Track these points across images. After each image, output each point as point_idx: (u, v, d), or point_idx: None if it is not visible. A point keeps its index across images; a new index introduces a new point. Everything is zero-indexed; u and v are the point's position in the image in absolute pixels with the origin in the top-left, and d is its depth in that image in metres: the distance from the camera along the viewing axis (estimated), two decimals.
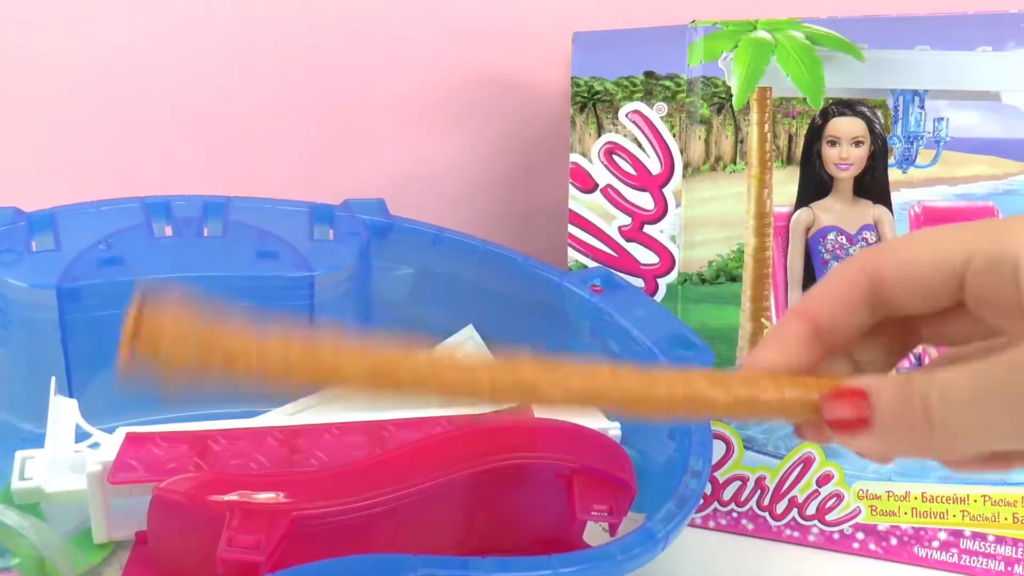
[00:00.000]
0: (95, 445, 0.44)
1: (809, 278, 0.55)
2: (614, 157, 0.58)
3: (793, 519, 0.56)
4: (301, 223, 0.56)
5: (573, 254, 0.58)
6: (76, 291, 0.50)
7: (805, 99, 0.55)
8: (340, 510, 0.40)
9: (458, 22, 0.68)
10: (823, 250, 0.55)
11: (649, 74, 0.57)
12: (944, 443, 0.26)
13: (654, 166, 0.57)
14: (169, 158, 0.68)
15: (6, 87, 0.65)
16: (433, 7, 0.67)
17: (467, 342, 0.56)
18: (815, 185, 0.55)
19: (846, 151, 0.55)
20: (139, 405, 0.50)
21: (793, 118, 0.55)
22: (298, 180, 0.69)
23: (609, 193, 0.58)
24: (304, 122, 0.69)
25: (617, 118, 0.57)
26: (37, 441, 0.49)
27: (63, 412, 0.45)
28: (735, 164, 0.56)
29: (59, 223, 0.52)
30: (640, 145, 0.57)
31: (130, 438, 0.43)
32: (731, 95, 0.56)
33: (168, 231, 0.55)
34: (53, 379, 0.47)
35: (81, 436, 0.46)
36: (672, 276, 0.57)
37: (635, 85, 0.57)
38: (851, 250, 0.55)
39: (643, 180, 0.57)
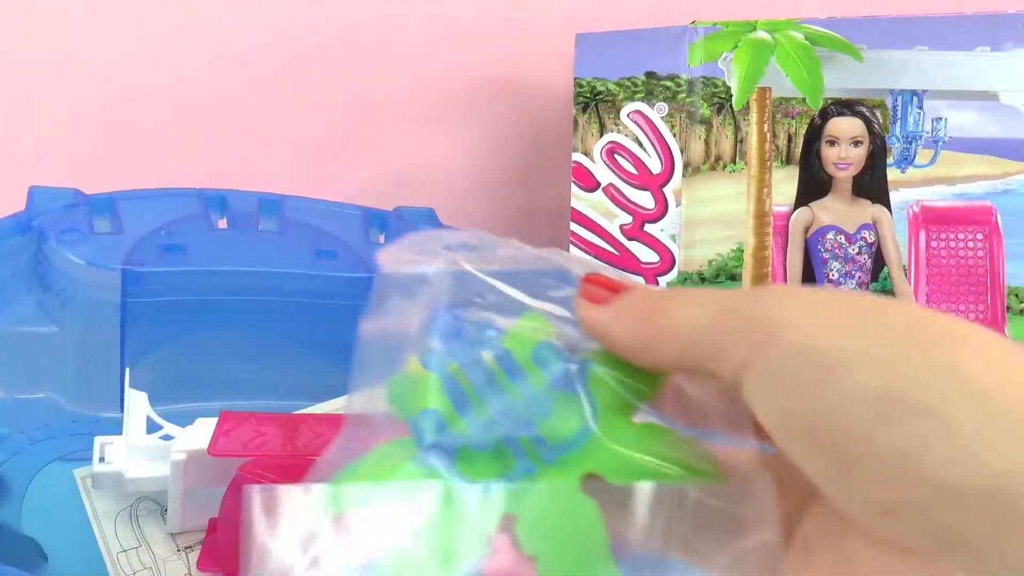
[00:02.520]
0: (167, 437, 0.45)
1: (808, 277, 0.56)
2: (616, 156, 0.58)
3: None
4: (355, 226, 0.57)
5: (575, 252, 0.59)
6: (140, 275, 0.50)
7: (804, 99, 0.55)
8: None
9: (462, 24, 0.68)
10: (822, 249, 0.55)
11: (650, 74, 0.58)
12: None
13: (655, 165, 0.58)
14: (170, 154, 0.68)
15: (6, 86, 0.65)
16: (436, 7, 0.68)
17: None
18: (814, 185, 0.55)
19: (845, 151, 0.55)
20: (185, 393, 0.52)
21: (792, 118, 0.56)
22: (298, 179, 0.70)
23: (611, 192, 0.58)
24: (305, 121, 0.69)
25: (619, 118, 0.58)
26: (85, 422, 0.51)
27: (135, 403, 0.46)
28: (735, 164, 0.56)
29: (119, 207, 0.53)
30: (641, 145, 0.58)
31: (225, 416, 0.44)
32: (731, 95, 0.56)
33: (223, 224, 0.55)
34: (128, 370, 0.48)
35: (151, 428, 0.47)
36: (672, 275, 0.57)
37: (636, 85, 0.58)
38: (850, 249, 0.55)
39: (644, 179, 0.58)
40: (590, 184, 0.59)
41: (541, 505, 0.26)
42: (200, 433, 0.45)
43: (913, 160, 0.54)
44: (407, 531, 0.25)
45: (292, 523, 0.25)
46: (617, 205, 0.58)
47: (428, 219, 0.59)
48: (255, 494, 0.25)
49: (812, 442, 0.23)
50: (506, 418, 0.27)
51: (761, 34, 0.55)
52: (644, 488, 0.26)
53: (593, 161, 0.58)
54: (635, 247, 0.58)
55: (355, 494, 0.26)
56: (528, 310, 0.29)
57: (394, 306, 0.30)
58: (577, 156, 0.59)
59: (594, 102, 0.58)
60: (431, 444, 0.27)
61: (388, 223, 0.58)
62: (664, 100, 0.57)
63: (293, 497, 0.25)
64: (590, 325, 0.28)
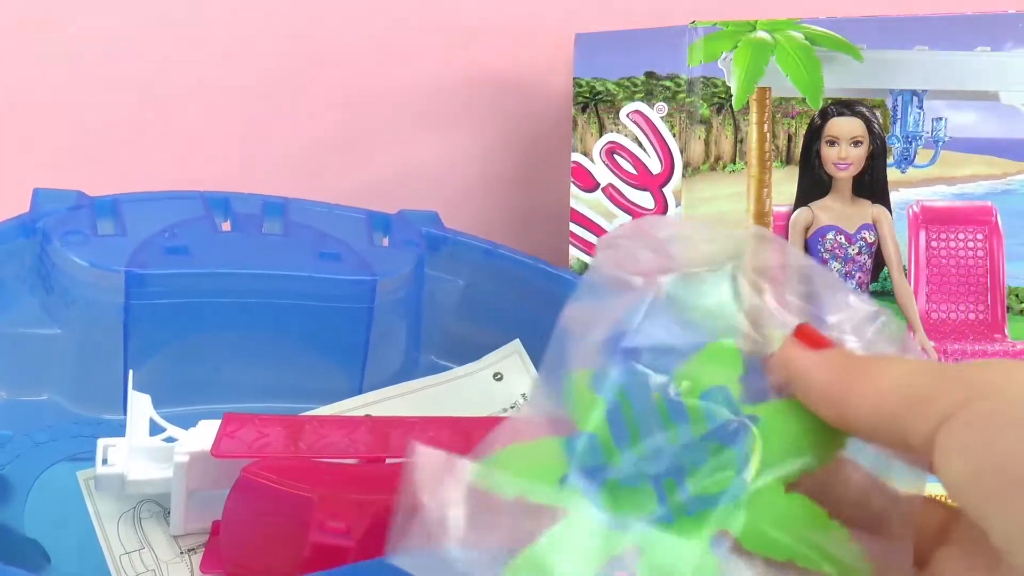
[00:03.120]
0: (170, 439, 0.45)
1: None
2: (615, 157, 0.58)
3: None
4: (359, 229, 0.57)
5: (575, 252, 0.59)
6: (143, 277, 0.50)
7: (804, 99, 0.55)
8: None
9: (461, 23, 0.68)
10: (822, 250, 0.55)
11: (650, 74, 0.58)
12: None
13: (654, 166, 0.58)
14: (171, 154, 0.68)
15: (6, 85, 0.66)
16: (435, 7, 0.68)
17: (512, 356, 0.56)
18: (814, 185, 0.55)
19: (845, 151, 0.55)
20: (188, 395, 0.52)
21: (792, 118, 0.56)
22: (298, 178, 0.70)
23: (610, 192, 0.58)
24: (305, 121, 0.70)
25: (618, 118, 0.58)
26: (88, 424, 0.51)
27: (137, 405, 0.46)
28: (735, 164, 0.56)
29: (122, 209, 0.52)
30: (641, 145, 0.58)
31: (228, 418, 0.44)
32: (731, 95, 0.56)
33: (227, 226, 0.55)
34: (131, 372, 0.48)
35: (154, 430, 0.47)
36: None
37: (636, 85, 0.58)
38: (850, 249, 0.55)
39: (644, 179, 0.58)
40: (589, 184, 0.59)
41: (666, 554, 0.26)
42: (203, 435, 0.45)
43: (913, 160, 0.54)
44: (539, 535, 0.26)
45: (447, 486, 0.27)
46: (616, 205, 0.58)
47: (432, 222, 0.59)
48: (422, 454, 0.27)
49: (1020, 500, 0.22)
50: (658, 459, 0.27)
51: (761, 34, 0.55)
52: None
53: (592, 161, 0.59)
54: None
55: (504, 482, 0.27)
56: (722, 336, 0.29)
57: (600, 301, 0.31)
58: (576, 156, 0.59)
59: (593, 102, 0.58)
60: (582, 468, 0.27)
61: (391, 226, 0.58)
62: (664, 100, 0.57)
63: (453, 464, 0.27)
64: (792, 364, 0.28)
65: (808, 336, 0.28)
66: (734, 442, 0.27)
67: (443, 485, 0.27)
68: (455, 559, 0.26)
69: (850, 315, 0.30)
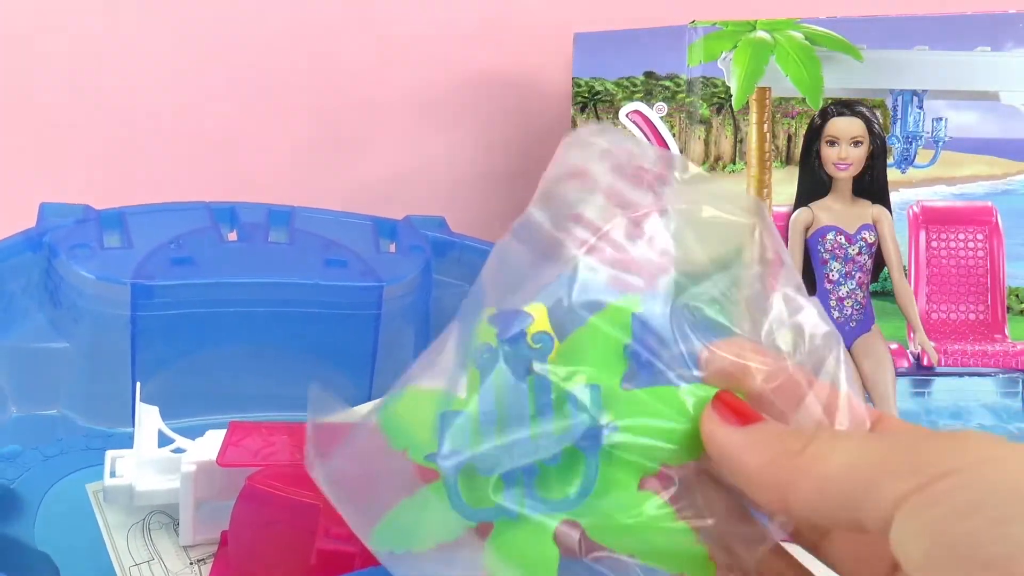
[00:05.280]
0: (178, 450, 0.46)
1: (808, 278, 0.56)
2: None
3: None
4: (365, 235, 0.58)
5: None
6: (150, 289, 0.51)
7: (804, 99, 0.55)
8: None
9: (459, 22, 0.68)
10: (822, 250, 0.55)
11: (649, 74, 0.57)
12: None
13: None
14: (173, 160, 0.69)
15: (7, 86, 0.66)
16: (435, 7, 0.67)
17: None
18: (814, 185, 0.55)
19: (845, 151, 0.55)
20: (197, 406, 0.53)
21: (792, 118, 0.55)
22: (298, 178, 0.70)
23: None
24: (304, 121, 0.70)
25: (617, 118, 0.58)
26: (97, 437, 0.52)
27: (146, 417, 0.47)
28: (734, 164, 0.56)
29: (128, 221, 0.53)
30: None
31: (234, 427, 0.45)
32: (730, 95, 0.56)
33: (233, 236, 0.56)
34: (139, 384, 0.48)
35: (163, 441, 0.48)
36: None
37: (635, 85, 0.58)
38: (850, 250, 0.55)
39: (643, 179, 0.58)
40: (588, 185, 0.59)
41: (508, 544, 0.28)
42: (210, 445, 0.45)
43: (913, 160, 0.54)
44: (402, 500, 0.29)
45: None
46: (616, 205, 0.58)
47: (438, 227, 0.59)
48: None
49: None
50: (515, 451, 0.28)
51: (761, 34, 0.55)
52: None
53: None
54: None
55: (392, 436, 0.30)
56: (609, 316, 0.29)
57: (532, 255, 0.31)
58: None
59: (592, 102, 0.58)
60: (448, 448, 0.28)
61: (398, 232, 0.58)
62: (663, 100, 0.57)
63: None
64: (718, 446, 0.27)
65: (730, 407, 0.27)
66: (587, 449, 0.28)
67: (354, 428, 0.30)
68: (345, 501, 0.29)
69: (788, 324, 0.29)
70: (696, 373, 0.28)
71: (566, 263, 0.30)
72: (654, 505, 0.27)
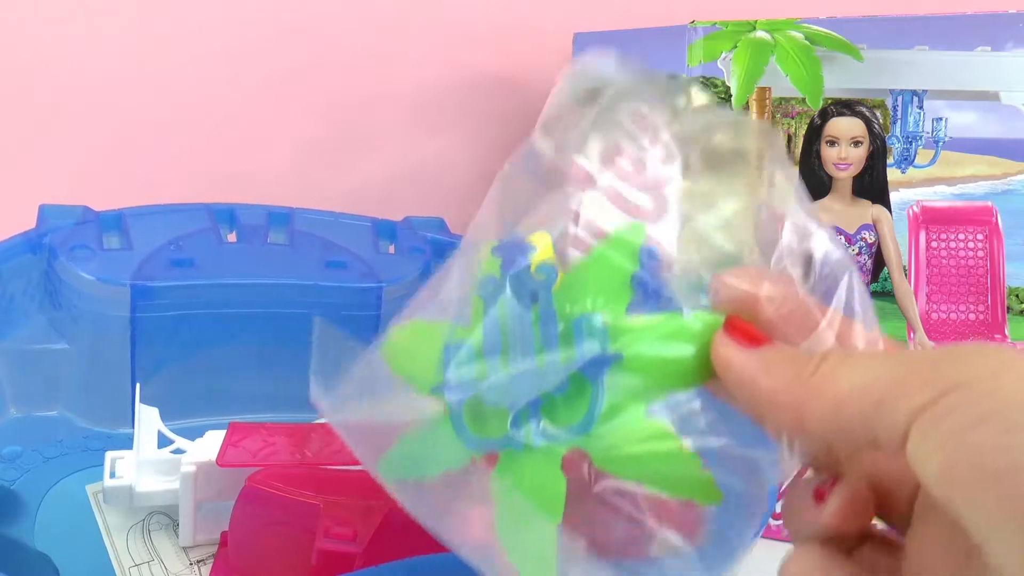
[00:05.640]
0: (178, 451, 0.46)
1: None
2: (614, 157, 0.58)
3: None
4: (365, 236, 0.58)
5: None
6: (149, 290, 0.51)
7: (804, 99, 0.55)
8: None
9: (459, 22, 0.68)
10: None
11: None
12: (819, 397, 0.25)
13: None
14: (173, 160, 0.69)
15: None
16: (434, 7, 0.67)
17: None
18: (814, 185, 0.55)
19: (845, 151, 0.55)
20: (197, 407, 0.53)
21: (792, 118, 0.55)
22: (297, 178, 0.70)
23: (610, 193, 0.58)
24: (304, 121, 0.70)
25: None
26: (97, 438, 0.52)
27: (145, 418, 0.47)
28: None
29: (128, 223, 0.53)
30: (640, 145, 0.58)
31: (233, 427, 0.45)
32: (731, 95, 0.56)
33: (232, 237, 0.56)
34: (138, 385, 0.49)
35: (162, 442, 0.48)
36: None
37: None
38: (850, 250, 0.55)
39: (643, 180, 0.58)
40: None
41: (517, 472, 0.28)
42: (210, 445, 0.45)
43: (913, 160, 0.54)
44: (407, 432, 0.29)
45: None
46: (616, 206, 0.58)
47: (438, 228, 0.59)
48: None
49: (996, 493, 0.21)
50: (521, 382, 0.28)
51: (760, 34, 0.55)
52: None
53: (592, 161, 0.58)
54: None
55: (396, 365, 0.30)
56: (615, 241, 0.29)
57: (536, 183, 0.30)
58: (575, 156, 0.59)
59: None
60: (454, 379, 0.28)
61: (397, 233, 0.58)
62: None
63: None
64: (730, 369, 0.26)
65: (741, 330, 0.27)
66: (595, 377, 0.27)
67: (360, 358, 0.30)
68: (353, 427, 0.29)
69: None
70: (704, 302, 0.28)
71: (571, 193, 0.30)
72: (660, 432, 0.27)
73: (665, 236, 0.29)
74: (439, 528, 0.27)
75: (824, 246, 0.29)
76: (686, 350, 0.27)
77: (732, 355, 0.27)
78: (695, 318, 0.27)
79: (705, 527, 0.28)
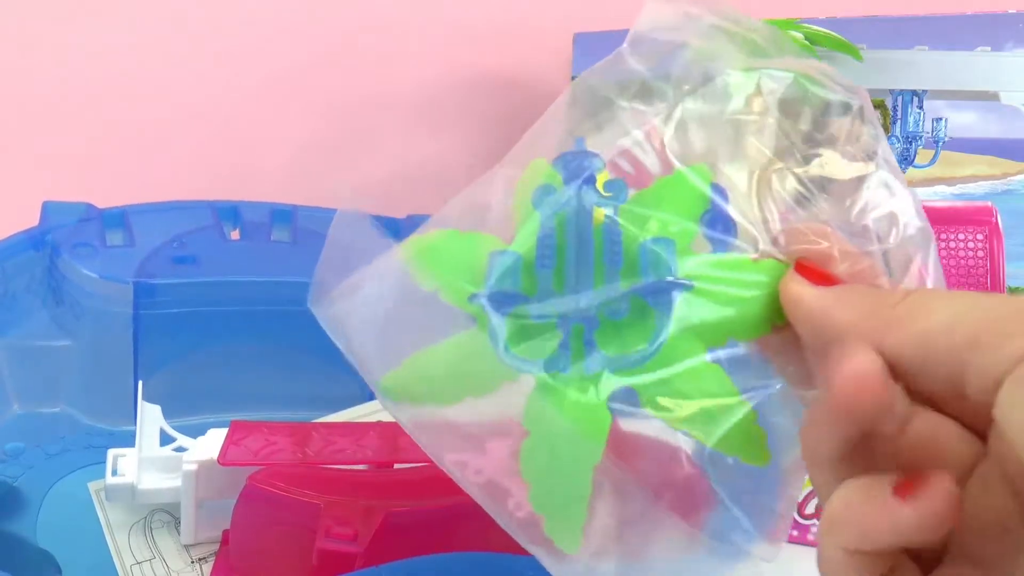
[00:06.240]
0: (180, 449, 0.46)
1: None
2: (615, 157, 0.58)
3: (792, 518, 0.57)
4: None
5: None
6: (152, 287, 0.51)
7: None
8: (431, 508, 0.41)
9: (460, 23, 0.68)
10: None
11: None
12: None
13: (654, 165, 0.58)
14: (175, 159, 0.69)
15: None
16: (435, 7, 0.68)
17: None
18: None
19: None
20: (199, 405, 0.53)
21: None
22: (298, 178, 0.70)
23: None
24: (304, 121, 0.70)
25: None
26: (100, 436, 0.52)
27: (148, 416, 0.47)
28: None
29: (131, 220, 0.53)
30: (640, 145, 0.58)
31: (235, 426, 0.45)
32: None
33: (235, 235, 0.56)
34: (141, 383, 0.48)
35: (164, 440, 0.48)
36: None
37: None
38: None
39: (643, 179, 0.58)
40: None
41: (561, 394, 0.25)
42: (212, 444, 0.45)
43: (913, 160, 0.54)
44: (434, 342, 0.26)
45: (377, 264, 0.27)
46: None
47: None
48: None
49: None
50: (576, 299, 0.26)
51: None
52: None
53: None
54: None
55: (425, 274, 0.27)
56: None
57: (614, 94, 0.29)
58: None
59: None
60: (496, 290, 0.26)
61: (400, 230, 0.58)
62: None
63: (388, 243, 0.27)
64: (802, 305, 0.24)
65: (812, 273, 0.25)
66: (659, 304, 0.25)
67: (374, 260, 0.27)
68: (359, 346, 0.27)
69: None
70: (773, 249, 0.26)
71: (654, 112, 0.28)
72: (719, 378, 0.25)
73: (741, 177, 0.27)
74: (447, 460, 0.25)
75: (908, 210, 0.27)
76: (754, 292, 0.25)
77: (804, 290, 0.25)
78: (764, 266, 0.26)
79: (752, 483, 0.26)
